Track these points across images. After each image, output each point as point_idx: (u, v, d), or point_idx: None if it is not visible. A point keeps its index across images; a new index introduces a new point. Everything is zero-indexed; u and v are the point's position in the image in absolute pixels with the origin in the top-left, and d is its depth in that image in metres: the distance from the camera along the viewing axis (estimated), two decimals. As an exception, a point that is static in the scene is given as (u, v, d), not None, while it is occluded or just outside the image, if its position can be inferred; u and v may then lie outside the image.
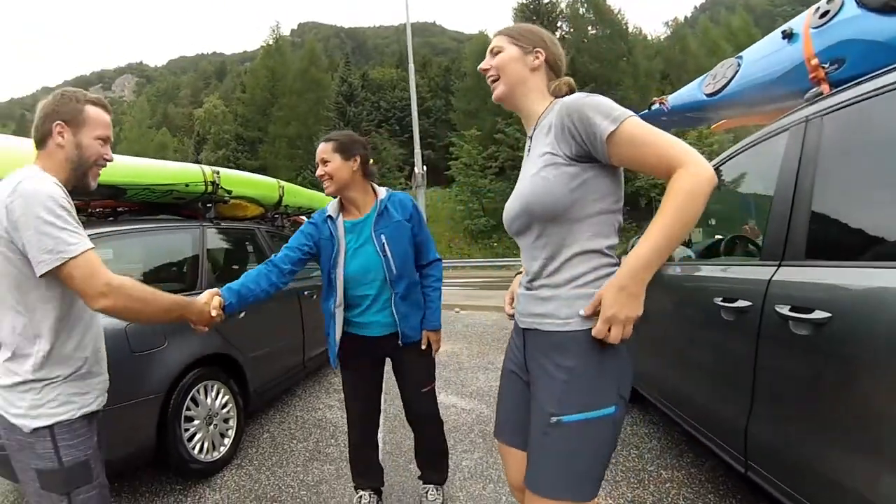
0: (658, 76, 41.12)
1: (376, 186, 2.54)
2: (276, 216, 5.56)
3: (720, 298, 2.20)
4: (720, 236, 3.24)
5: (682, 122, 3.90)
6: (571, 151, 1.33)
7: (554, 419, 1.31)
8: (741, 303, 2.04)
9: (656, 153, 1.25)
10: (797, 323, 1.68)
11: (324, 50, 75.57)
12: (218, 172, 4.05)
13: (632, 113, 1.29)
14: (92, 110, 1.59)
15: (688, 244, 3.41)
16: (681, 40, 52.31)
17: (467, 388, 4.80)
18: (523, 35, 1.55)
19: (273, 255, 2.38)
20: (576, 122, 1.30)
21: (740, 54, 2.98)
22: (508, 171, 34.47)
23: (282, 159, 46.44)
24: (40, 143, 1.55)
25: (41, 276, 1.37)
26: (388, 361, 2.63)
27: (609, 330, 1.25)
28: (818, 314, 1.59)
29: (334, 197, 2.46)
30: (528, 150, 1.54)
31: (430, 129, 49.20)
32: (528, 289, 1.49)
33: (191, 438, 3.16)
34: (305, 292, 4.73)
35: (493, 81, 1.55)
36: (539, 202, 1.36)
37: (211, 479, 3.25)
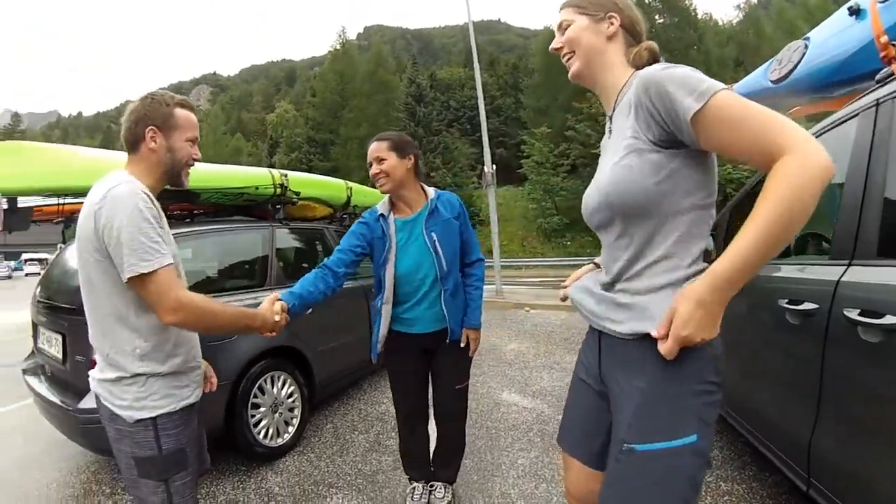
0: (731, 64, 38.87)
1: (425, 186, 2.57)
2: (346, 216, 5.65)
3: (785, 300, 2.04)
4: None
5: None
6: (654, 136, 1.14)
7: (626, 447, 1.17)
8: (807, 305, 1.87)
9: (753, 135, 1.02)
10: (866, 328, 1.52)
11: (390, 52, 76.69)
12: (286, 175, 4.24)
13: (723, 85, 1.06)
14: (181, 113, 1.63)
15: None
16: (754, 23, 49.61)
17: (530, 388, 4.79)
18: (591, 2, 1.35)
19: (327, 259, 2.40)
20: (654, 100, 1.11)
21: (807, 35, 2.72)
22: (581, 169, 33.83)
23: (354, 160, 47.20)
24: (132, 147, 1.60)
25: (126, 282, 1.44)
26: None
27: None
28: (889, 319, 1.45)
29: (392, 193, 2.48)
30: (609, 132, 1.35)
31: (501, 128, 49.04)
32: (605, 290, 1.33)
33: (257, 424, 3.38)
34: (373, 290, 4.77)
35: (568, 59, 1.37)
36: (621, 196, 1.19)
37: (273, 462, 3.42)
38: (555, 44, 1.40)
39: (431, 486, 2.76)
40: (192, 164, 1.72)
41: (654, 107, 1.11)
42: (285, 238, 4.28)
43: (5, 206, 2.68)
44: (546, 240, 35.88)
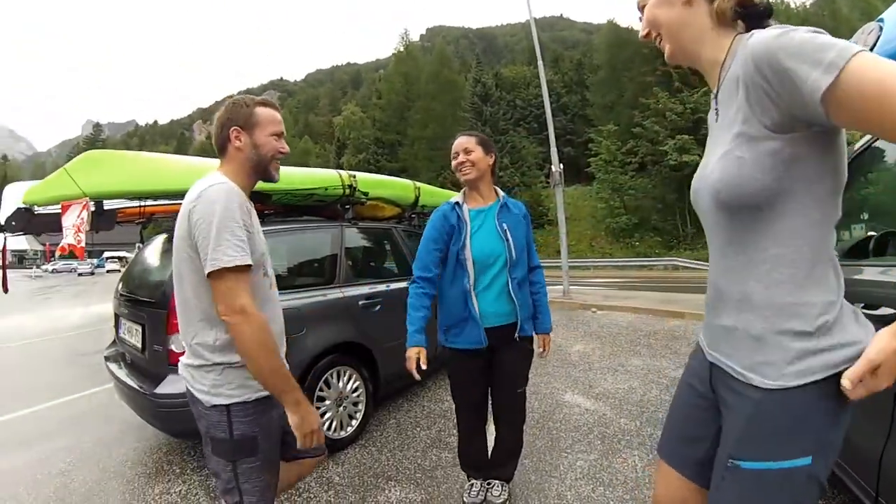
0: None
1: (496, 187, 2.71)
2: (414, 215, 5.74)
3: (861, 305, 1.81)
4: (873, 233, 2.55)
5: None
6: (771, 120, 0.96)
7: (731, 462, 1.07)
8: (884, 310, 1.71)
9: None
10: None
11: (454, 52, 76.85)
12: (354, 176, 4.38)
13: (858, 48, 0.84)
14: (261, 110, 1.71)
15: None
16: (830, 4, 47.20)
17: (594, 389, 4.73)
18: None
19: (418, 272, 2.56)
20: (770, 78, 0.93)
21: (881, 16, 2.36)
22: (649, 167, 32.91)
23: (422, 160, 47.70)
24: (221, 150, 1.72)
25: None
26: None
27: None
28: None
29: (471, 184, 2.61)
30: (717, 114, 1.15)
31: (568, 126, 48.32)
32: (713, 308, 1.20)
33: (321, 416, 3.48)
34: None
35: (660, 42, 1.20)
36: (733, 191, 1.03)
37: (335, 454, 3.52)
38: (642, 31, 1.24)
39: (489, 483, 2.79)
40: (280, 158, 1.78)
41: (769, 86, 0.93)
42: (354, 237, 4.40)
43: (93, 209, 2.88)
44: (614, 240, 35.09)
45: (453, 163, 2.60)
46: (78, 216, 2.78)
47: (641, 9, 1.24)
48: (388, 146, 54.48)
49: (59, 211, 2.90)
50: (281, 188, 3.81)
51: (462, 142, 2.59)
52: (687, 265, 25.69)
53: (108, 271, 48.89)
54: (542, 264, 2.78)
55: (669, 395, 4.35)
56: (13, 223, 3.13)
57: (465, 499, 2.77)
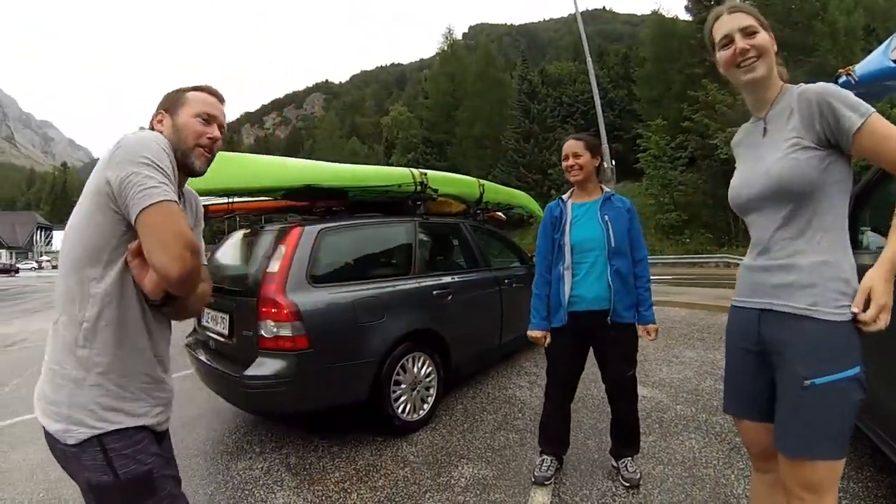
0: (861, 33, 34.33)
1: (602, 184, 2.94)
2: (479, 212, 5.93)
3: None
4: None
5: (878, 92, 3.35)
6: (814, 138, 1.41)
7: (807, 382, 1.37)
8: None
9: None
10: None
11: (498, 49, 76.51)
12: (425, 174, 4.62)
13: (873, 109, 1.37)
14: (193, 93, 1.50)
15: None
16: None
17: (650, 379, 4.84)
18: (760, 17, 1.56)
19: (538, 262, 2.97)
20: (826, 113, 1.38)
21: None
22: (699, 162, 32.00)
23: (470, 159, 47.53)
24: None
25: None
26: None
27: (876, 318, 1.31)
28: None
29: (579, 184, 2.88)
30: (765, 132, 1.57)
31: (616, 121, 47.44)
32: (765, 269, 1.55)
33: (396, 399, 3.68)
34: (506, 280, 5.11)
35: (752, 62, 1.52)
36: (793, 180, 1.43)
37: (409, 436, 3.72)
38: (743, 44, 1.51)
39: (622, 462, 2.93)
40: (208, 146, 1.48)
41: (824, 118, 1.39)
42: (427, 231, 4.60)
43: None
44: (664, 237, 34.31)
45: (564, 164, 2.87)
46: None
47: (747, 31, 1.52)
48: (437, 145, 54.54)
49: None
50: (359, 185, 4.09)
51: (571, 146, 2.84)
52: (739, 262, 24.98)
53: None
54: (647, 255, 2.91)
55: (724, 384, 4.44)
56: None
57: (535, 473, 2.92)
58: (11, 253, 76.06)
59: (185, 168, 1.46)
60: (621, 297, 2.72)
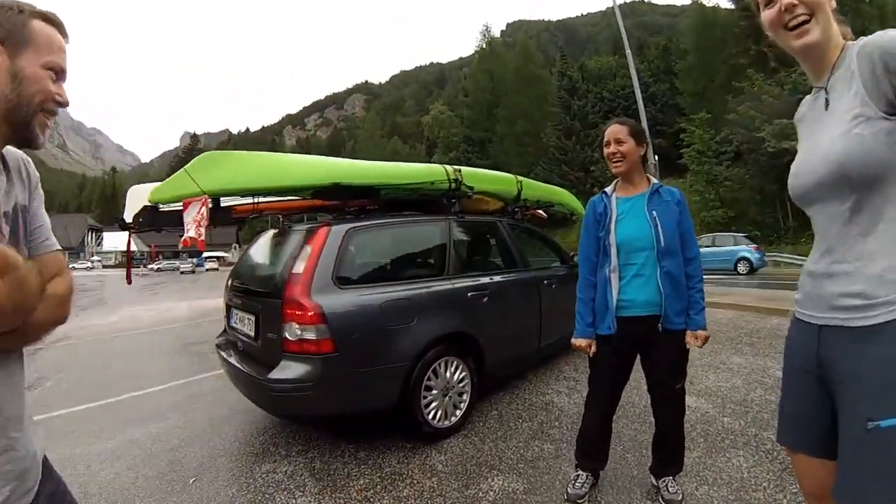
0: None
1: (649, 175, 2.67)
2: (517, 209, 5.73)
3: None
4: None
5: None
6: (886, 105, 1.11)
7: (871, 424, 1.11)
8: None
9: None
10: None
11: (536, 46, 75.92)
12: (459, 170, 4.46)
13: None
14: (40, 25, 1.05)
15: None
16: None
17: (695, 387, 4.57)
18: None
19: (581, 262, 2.72)
20: (892, 66, 1.08)
21: None
22: (746, 156, 30.83)
23: (512, 157, 47.39)
24: None
25: None
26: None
27: None
28: None
29: (622, 175, 2.61)
30: (827, 104, 1.29)
31: (658, 116, 46.42)
32: (828, 274, 1.29)
33: (427, 405, 3.54)
34: (545, 281, 4.91)
35: (802, 23, 1.26)
36: (857, 164, 1.15)
37: (438, 443, 3.57)
38: (788, 1, 1.25)
39: (662, 481, 2.72)
40: (55, 113, 1.10)
41: (886, 73, 1.09)
42: (462, 230, 4.44)
43: (210, 205, 3.09)
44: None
45: (605, 151, 2.59)
46: (198, 212, 3.00)
47: None
48: (478, 143, 54.50)
49: (181, 208, 3.12)
50: (390, 182, 3.98)
51: (614, 131, 2.56)
52: (789, 261, 24.17)
53: (207, 270, 52.46)
54: (699, 253, 2.64)
55: (775, 395, 4.15)
56: (141, 220, 3.43)
57: (568, 490, 2.73)
58: (64, 253, 79.28)
59: (23, 136, 1.07)
60: (672, 302, 2.47)
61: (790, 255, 24.73)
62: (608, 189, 2.68)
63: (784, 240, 28.30)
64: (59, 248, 1.19)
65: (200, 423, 4.17)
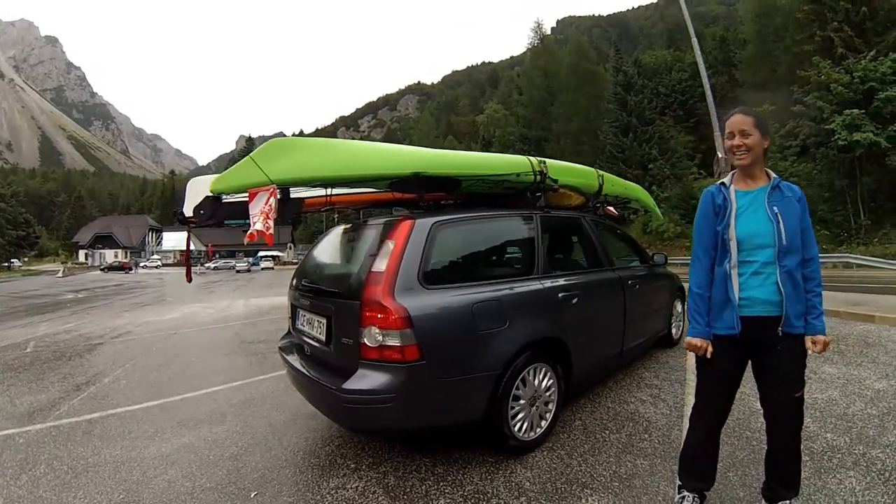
0: None
1: (768, 169, 2.48)
2: (598, 204, 5.52)
3: None
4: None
5: None
6: None
7: None
8: None
9: None
10: None
11: (588, 42, 74.76)
12: (544, 162, 4.16)
13: None
14: None
15: None
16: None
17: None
18: None
19: (695, 256, 2.51)
20: None
21: None
22: (813, 150, 29.31)
23: (569, 155, 46.66)
24: None
25: None
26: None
27: None
28: None
29: (744, 169, 2.43)
30: None
31: (718, 111, 44.89)
32: None
33: (514, 417, 3.25)
34: (629, 281, 4.67)
35: None
36: None
37: (523, 457, 3.30)
38: None
39: None
40: None
41: None
42: (549, 226, 4.16)
43: (279, 196, 2.81)
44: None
45: (726, 143, 2.41)
46: (266, 203, 2.72)
47: None
48: (534, 142, 53.65)
49: (246, 199, 2.86)
50: (473, 174, 3.68)
51: (738, 121, 2.37)
52: (862, 262, 23.03)
53: (262, 269, 53.51)
54: (818, 254, 2.44)
55: (877, 409, 3.92)
56: (201, 212, 3.15)
57: None
58: (126, 252, 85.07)
59: None
60: (793, 304, 2.28)
61: (862, 257, 23.56)
62: (726, 180, 2.49)
63: (855, 239, 26.98)
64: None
65: (260, 429, 3.99)
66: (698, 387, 2.59)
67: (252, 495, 2.96)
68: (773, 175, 2.44)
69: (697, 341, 2.41)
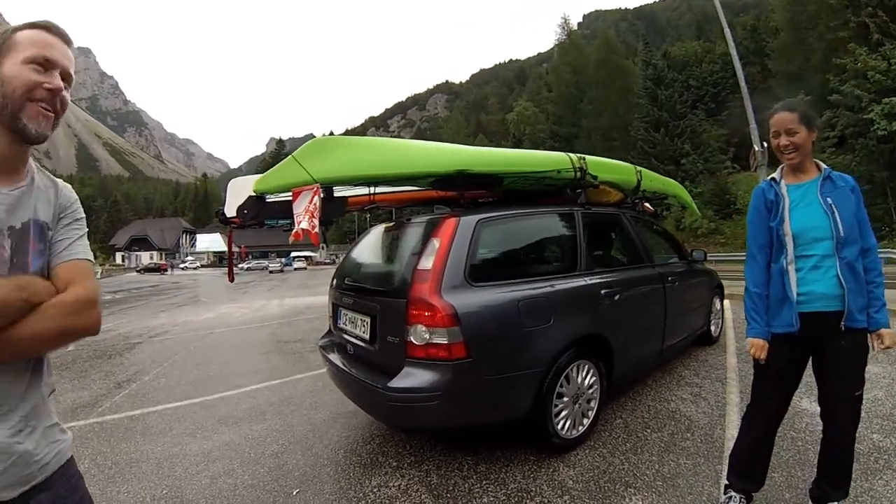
0: None
1: (817, 160, 2.41)
2: (636, 200, 5.40)
3: None
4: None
5: None
6: None
7: None
8: None
9: None
10: None
11: (616, 35, 73.96)
12: (584, 158, 4.15)
13: None
14: (24, 33, 1.14)
15: None
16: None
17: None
18: None
19: (750, 254, 2.47)
20: None
21: None
22: (851, 141, 28.38)
23: (600, 152, 46.10)
24: None
25: None
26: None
27: None
28: None
29: (794, 166, 2.36)
30: None
31: (750, 102, 44.02)
32: None
33: (557, 414, 3.24)
34: (669, 278, 4.61)
35: None
36: None
37: (566, 455, 3.29)
38: None
39: None
40: (46, 100, 1.13)
41: None
42: (589, 222, 4.10)
43: (323, 196, 2.81)
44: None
45: (773, 142, 2.35)
46: (310, 202, 2.73)
47: None
48: (565, 139, 53.44)
49: (289, 199, 2.87)
50: (515, 171, 3.69)
51: (783, 119, 2.30)
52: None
53: (295, 269, 54.12)
54: (875, 243, 2.38)
55: None
56: (245, 211, 3.16)
57: None
58: (161, 254, 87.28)
59: (18, 133, 1.11)
60: (855, 297, 2.21)
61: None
62: (776, 175, 2.44)
63: (896, 234, 26.10)
64: (82, 257, 1.23)
65: (300, 428, 4.03)
66: (754, 385, 2.54)
67: (294, 493, 2.99)
68: (824, 166, 2.38)
69: (757, 341, 2.38)
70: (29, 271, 1.11)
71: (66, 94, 1.18)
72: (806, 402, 3.96)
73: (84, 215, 1.30)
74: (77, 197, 1.31)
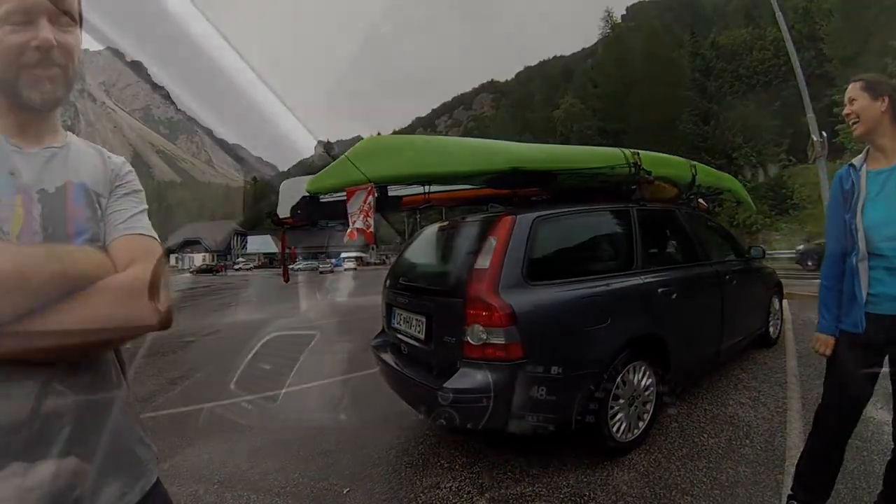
0: None
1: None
2: (692, 196, 5.34)
3: None
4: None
5: None
6: None
7: None
8: None
9: None
10: None
11: (661, 26, 72.24)
12: (637, 153, 4.06)
13: None
14: None
15: None
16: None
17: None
18: None
19: (829, 247, 2.29)
20: None
21: None
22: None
23: (648, 147, 45.29)
24: None
25: None
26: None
27: None
28: None
29: (862, 139, 2.20)
30: None
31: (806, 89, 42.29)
32: None
33: (613, 416, 3.17)
34: (727, 276, 4.51)
35: None
36: None
37: (620, 459, 3.22)
38: None
39: None
40: (38, 61, 0.92)
41: None
42: (645, 219, 4.01)
43: (377, 195, 2.81)
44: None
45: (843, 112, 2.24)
46: (364, 201, 2.72)
47: None
48: (613, 135, 51.98)
49: (344, 198, 2.85)
50: (569, 167, 3.62)
51: (847, 91, 2.19)
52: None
53: (345, 269, 54.71)
54: None
55: None
56: (298, 212, 3.19)
57: None
58: (213, 256, 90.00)
59: (19, 100, 0.93)
60: None
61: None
62: (857, 160, 2.23)
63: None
64: (146, 233, 1.07)
65: (351, 427, 4.06)
66: (826, 387, 2.37)
67: (345, 491, 3.01)
68: None
69: (823, 336, 2.27)
70: (71, 243, 0.94)
71: (69, 36, 0.96)
72: (873, 410, 3.76)
73: (143, 189, 1.15)
74: (132, 168, 1.15)
